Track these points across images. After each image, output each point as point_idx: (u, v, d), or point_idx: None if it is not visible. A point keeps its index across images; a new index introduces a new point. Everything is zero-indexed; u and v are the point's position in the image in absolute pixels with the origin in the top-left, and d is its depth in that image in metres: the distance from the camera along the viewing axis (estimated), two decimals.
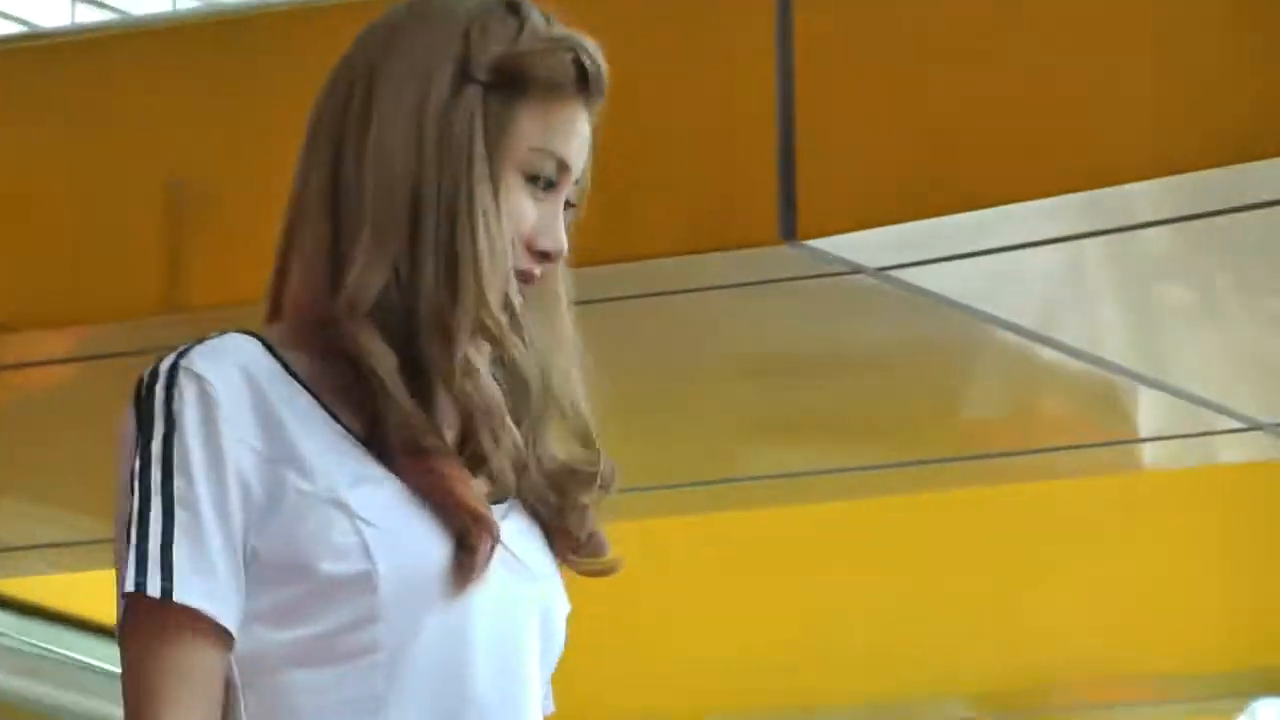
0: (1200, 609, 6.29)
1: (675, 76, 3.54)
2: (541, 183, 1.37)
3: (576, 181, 1.41)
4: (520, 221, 1.37)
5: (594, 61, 1.42)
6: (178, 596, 1.23)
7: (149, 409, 1.31)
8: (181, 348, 1.33)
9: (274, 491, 1.34)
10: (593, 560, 1.45)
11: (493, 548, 1.30)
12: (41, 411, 5.15)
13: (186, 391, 1.32)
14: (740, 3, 3.80)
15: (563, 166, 1.39)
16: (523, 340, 1.34)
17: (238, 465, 1.32)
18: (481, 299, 1.33)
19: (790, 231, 3.54)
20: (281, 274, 1.34)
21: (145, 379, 1.32)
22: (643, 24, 3.62)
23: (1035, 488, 5.14)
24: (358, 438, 1.34)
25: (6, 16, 6.83)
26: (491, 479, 1.31)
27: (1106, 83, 3.41)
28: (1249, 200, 3.40)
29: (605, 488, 1.41)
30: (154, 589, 1.23)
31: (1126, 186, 3.26)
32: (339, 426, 1.34)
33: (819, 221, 3.45)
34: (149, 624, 1.27)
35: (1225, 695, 6.94)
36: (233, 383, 1.36)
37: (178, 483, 1.29)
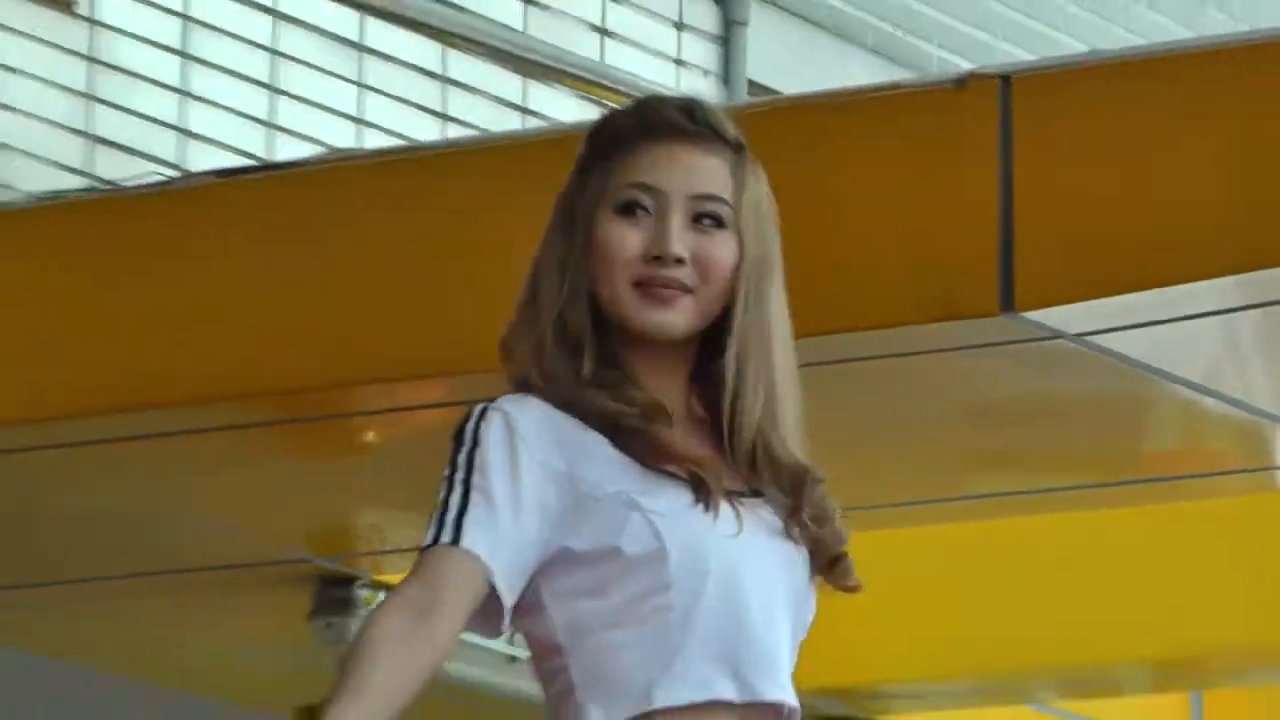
0: None
1: (909, 176, 4.21)
2: (637, 210, 1.76)
3: (702, 198, 1.78)
4: (617, 248, 1.77)
5: (672, 108, 1.85)
6: (464, 543, 1.62)
7: (463, 435, 1.70)
8: (493, 399, 1.77)
9: (579, 499, 1.75)
10: (842, 580, 1.85)
11: (718, 485, 1.72)
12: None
13: (494, 422, 1.71)
14: (966, 102, 4.24)
15: (657, 191, 1.76)
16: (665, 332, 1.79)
17: (534, 478, 1.70)
18: (604, 315, 1.80)
19: (1009, 304, 4.11)
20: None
21: (463, 418, 1.73)
22: (882, 133, 4.31)
23: (1197, 505, 5.75)
24: (631, 458, 1.73)
25: (389, 133, 7.40)
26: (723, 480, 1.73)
27: (1257, 184, 4.12)
28: None
29: (820, 481, 1.83)
30: (446, 539, 1.63)
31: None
32: (615, 451, 1.73)
33: (1031, 297, 4.12)
34: (437, 554, 1.67)
35: None
36: (533, 419, 1.74)
37: (475, 479, 1.66)
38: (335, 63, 7.62)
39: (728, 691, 1.85)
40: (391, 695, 1.71)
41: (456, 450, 1.77)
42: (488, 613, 1.83)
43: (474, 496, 1.75)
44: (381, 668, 1.69)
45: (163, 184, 6.24)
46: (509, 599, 1.79)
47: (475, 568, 1.76)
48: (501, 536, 1.76)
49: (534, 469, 1.77)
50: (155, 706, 7.23)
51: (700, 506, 1.83)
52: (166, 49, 7.44)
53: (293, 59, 7.65)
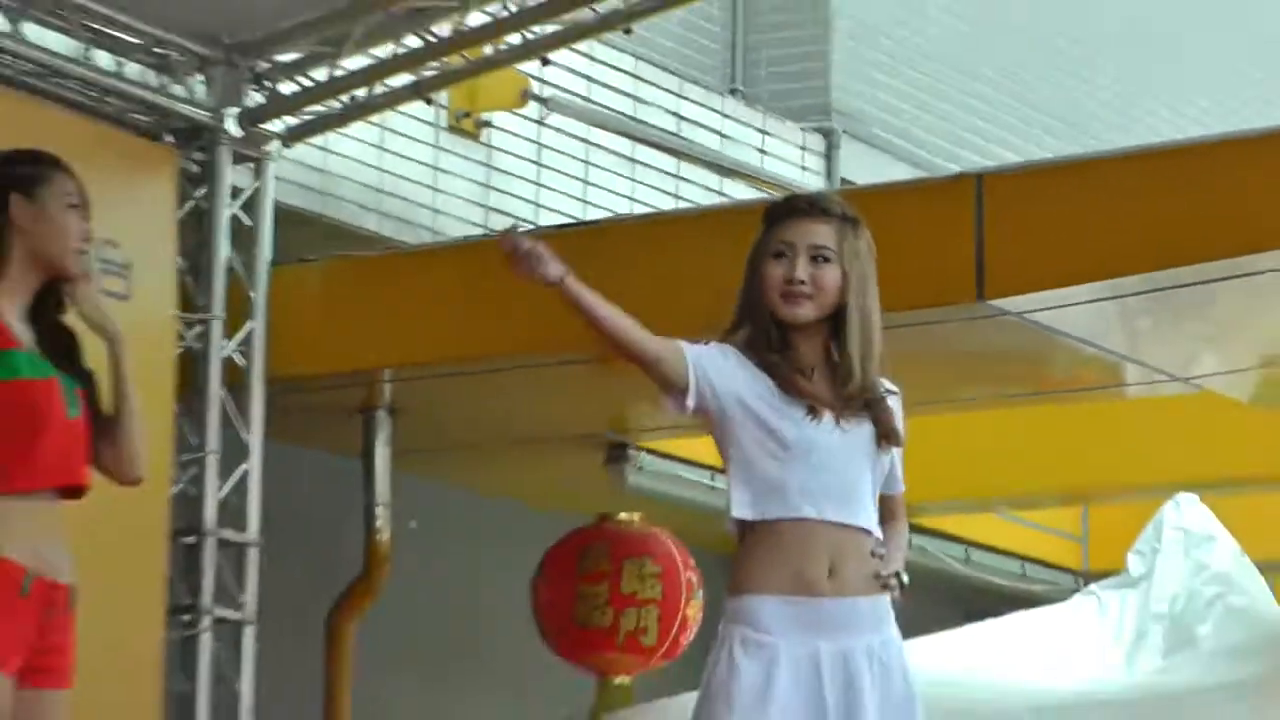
0: None
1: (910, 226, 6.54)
2: (782, 257, 2.99)
3: (816, 247, 3.00)
4: (770, 278, 2.99)
5: (798, 199, 3.25)
6: (684, 345, 2.96)
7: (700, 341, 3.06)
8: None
9: (739, 396, 3.02)
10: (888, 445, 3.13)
11: (821, 405, 2.98)
12: None
13: (713, 341, 3.01)
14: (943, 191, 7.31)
15: (790, 245, 2.99)
16: (788, 324, 3.01)
17: (721, 363, 2.98)
18: (765, 310, 3.00)
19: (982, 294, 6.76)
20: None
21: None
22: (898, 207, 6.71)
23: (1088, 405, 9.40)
24: (779, 390, 2.99)
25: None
26: (831, 405, 2.95)
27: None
28: None
29: (890, 407, 3.12)
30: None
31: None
32: (772, 384, 2.99)
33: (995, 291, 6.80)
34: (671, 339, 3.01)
35: None
36: (722, 349, 3.01)
37: (699, 345, 2.96)
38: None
39: (811, 514, 3.15)
40: (616, 317, 3.02)
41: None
42: (676, 395, 3.12)
43: (698, 345, 3.07)
44: (618, 313, 3.00)
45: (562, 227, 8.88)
46: (692, 387, 3.06)
47: (682, 353, 3.07)
48: (701, 359, 3.04)
49: (721, 360, 3.07)
50: (513, 515, 10.00)
51: (810, 416, 3.13)
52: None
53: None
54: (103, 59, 7.71)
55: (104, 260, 6.80)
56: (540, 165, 10.11)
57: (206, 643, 7.61)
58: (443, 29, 7.84)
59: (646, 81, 11.01)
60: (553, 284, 3.23)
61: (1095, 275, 6.88)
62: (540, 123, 10.04)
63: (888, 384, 3.37)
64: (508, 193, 9.74)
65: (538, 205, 9.91)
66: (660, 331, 3.39)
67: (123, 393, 4.16)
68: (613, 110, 10.63)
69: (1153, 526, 8.49)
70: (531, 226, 8.75)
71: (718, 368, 3.28)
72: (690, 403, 3.28)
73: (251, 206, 8.03)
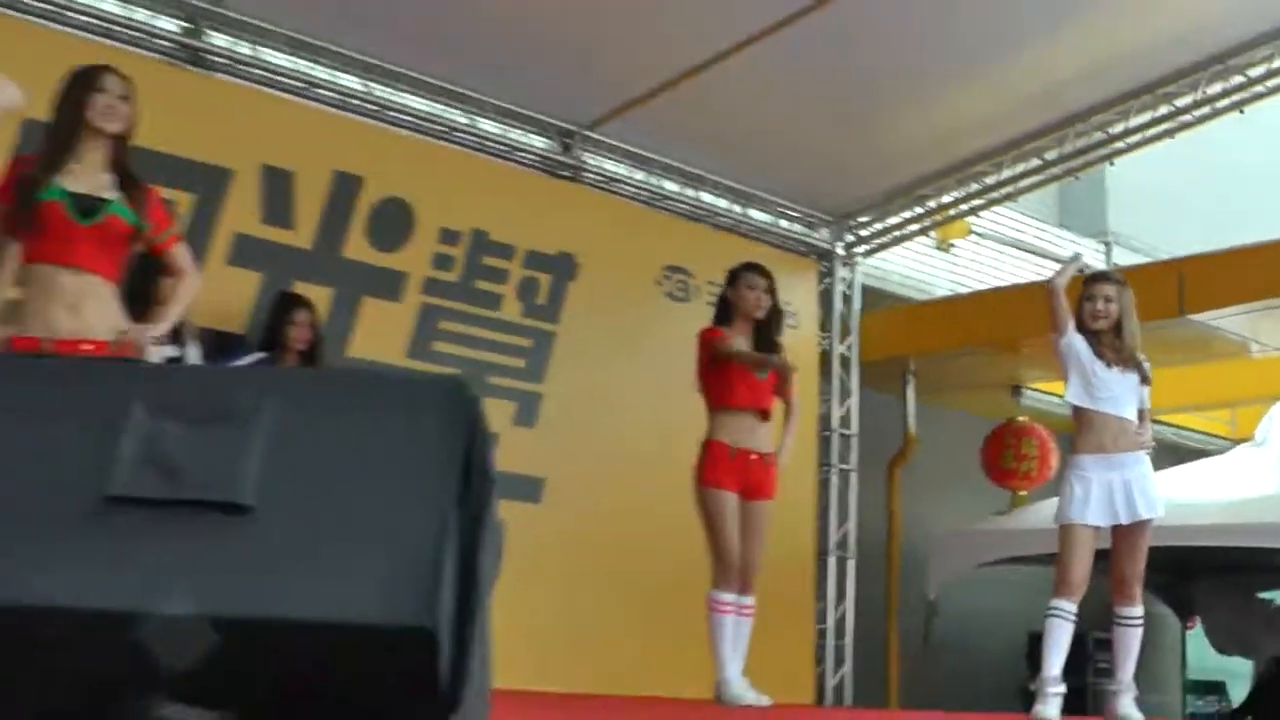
0: None
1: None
2: (1094, 299, 6.90)
3: (1107, 297, 6.83)
4: (1086, 310, 6.85)
5: (1101, 273, 7.57)
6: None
7: None
8: None
9: (1078, 349, 7.00)
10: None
11: (1104, 361, 6.91)
12: None
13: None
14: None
15: (1097, 294, 6.86)
16: None
17: (1073, 332, 6.96)
18: (1085, 323, 6.91)
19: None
20: None
21: None
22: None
23: None
24: (1092, 354, 6.96)
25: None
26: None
27: None
28: None
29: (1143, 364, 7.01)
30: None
31: None
32: (1090, 350, 6.92)
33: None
34: None
35: None
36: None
37: None
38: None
39: (1109, 410, 6.92)
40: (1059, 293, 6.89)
41: None
42: (1058, 336, 6.99)
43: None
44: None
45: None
46: (1068, 334, 6.84)
47: (1069, 317, 6.93)
48: (1071, 324, 6.90)
49: (1074, 332, 6.84)
50: (966, 420, 12.90)
51: (1107, 365, 6.89)
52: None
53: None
54: (761, 217, 11.29)
55: (791, 313, 9.63)
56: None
57: None
58: (970, 186, 11.00)
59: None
60: (1053, 285, 6.88)
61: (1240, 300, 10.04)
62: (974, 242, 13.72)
63: (1141, 356, 6.89)
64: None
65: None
66: None
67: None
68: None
69: (1267, 416, 12.14)
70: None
71: (1073, 332, 6.79)
72: (1063, 340, 6.87)
73: (850, 285, 11.64)
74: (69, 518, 2.07)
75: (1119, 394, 6.91)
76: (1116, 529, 6.88)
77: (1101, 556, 7.00)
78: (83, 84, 5.46)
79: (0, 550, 2.01)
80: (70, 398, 2.25)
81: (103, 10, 8.46)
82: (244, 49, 8.98)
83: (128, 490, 2.14)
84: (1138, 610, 7.11)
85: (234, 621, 2.01)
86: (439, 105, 9.61)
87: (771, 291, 7.71)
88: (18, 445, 2.15)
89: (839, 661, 10.94)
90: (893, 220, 11.35)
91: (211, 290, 7.98)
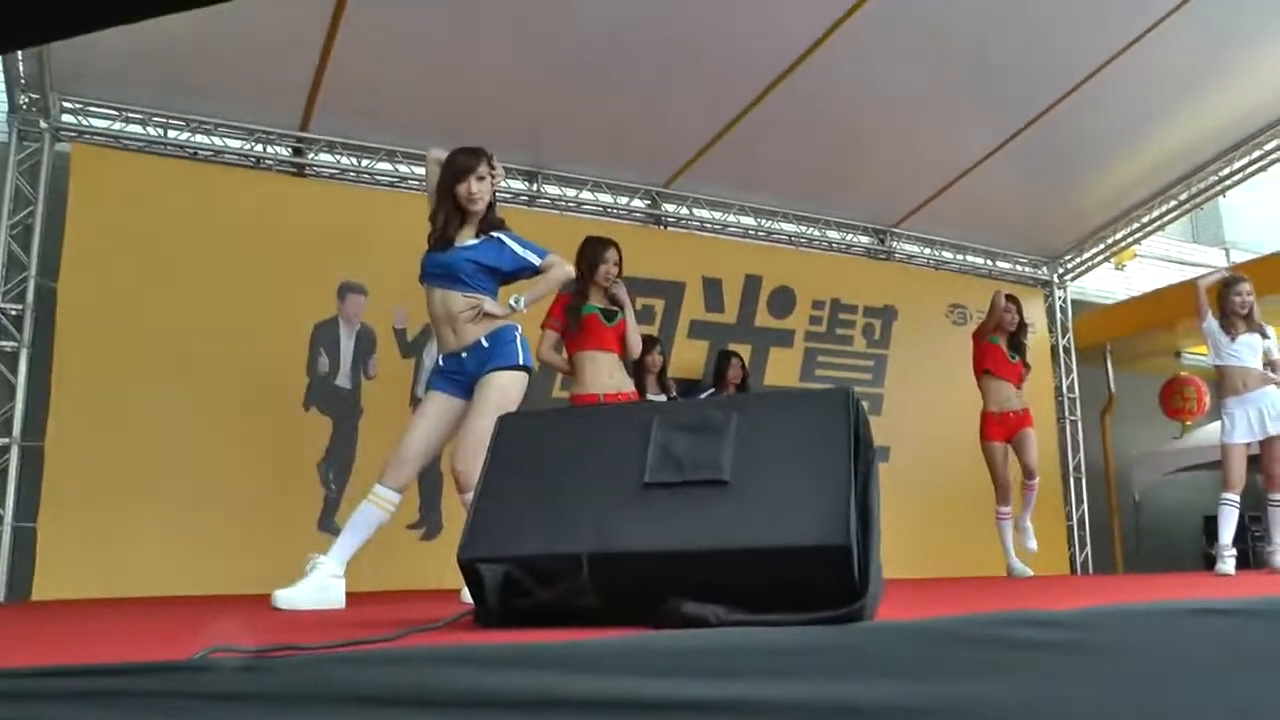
0: None
1: None
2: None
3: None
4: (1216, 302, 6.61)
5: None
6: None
7: None
8: None
9: (1213, 327, 6.47)
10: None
11: (1238, 333, 6.38)
12: None
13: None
14: None
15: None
16: None
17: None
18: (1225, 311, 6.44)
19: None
20: None
21: None
22: None
23: None
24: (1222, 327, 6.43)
25: None
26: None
27: None
28: None
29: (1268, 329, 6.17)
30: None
31: None
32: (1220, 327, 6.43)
33: None
34: None
35: None
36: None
37: None
38: None
39: (1242, 363, 6.33)
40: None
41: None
42: (1201, 320, 6.40)
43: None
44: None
45: None
46: (1208, 316, 6.26)
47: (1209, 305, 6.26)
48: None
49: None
50: (1145, 381, 11.75)
51: (1228, 337, 6.38)
52: None
53: None
54: (1004, 265, 10.32)
55: (1031, 323, 8.58)
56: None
57: None
58: (1133, 224, 9.98)
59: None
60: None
61: None
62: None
63: (1263, 322, 6.41)
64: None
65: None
66: None
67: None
68: None
69: None
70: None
71: (1209, 318, 6.32)
72: (1203, 324, 6.44)
73: (1065, 300, 10.75)
74: (629, 495, 2.18)
75: (1243, 352, 6.52)
76: (1262, 442, 6.53)
77: (1254, 461, 6.70)
78: (597, 251, 5.56)
79: (604, 515, 2.15)
80: (621, 424, 2.35)
81: (598, 200, 8.68)
82: (684, 210, 9.12)
83: (655, 478, 2.20)
84: None
85: (722, 551, 2.05)
86: (801, 226, 9.60)
87: (1019, 310, 7.45)
88: (601, 452, 2.29)
89: (1082, 546, 10.26)
90: (1086, 254, 10.58)
91: (679, 355, 8.27)
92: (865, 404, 9.21)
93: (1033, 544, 7.24)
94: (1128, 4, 7.06)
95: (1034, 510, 7.41)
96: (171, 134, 7.05)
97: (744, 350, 8.46)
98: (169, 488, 6.36)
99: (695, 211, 8.91)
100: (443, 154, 4.26)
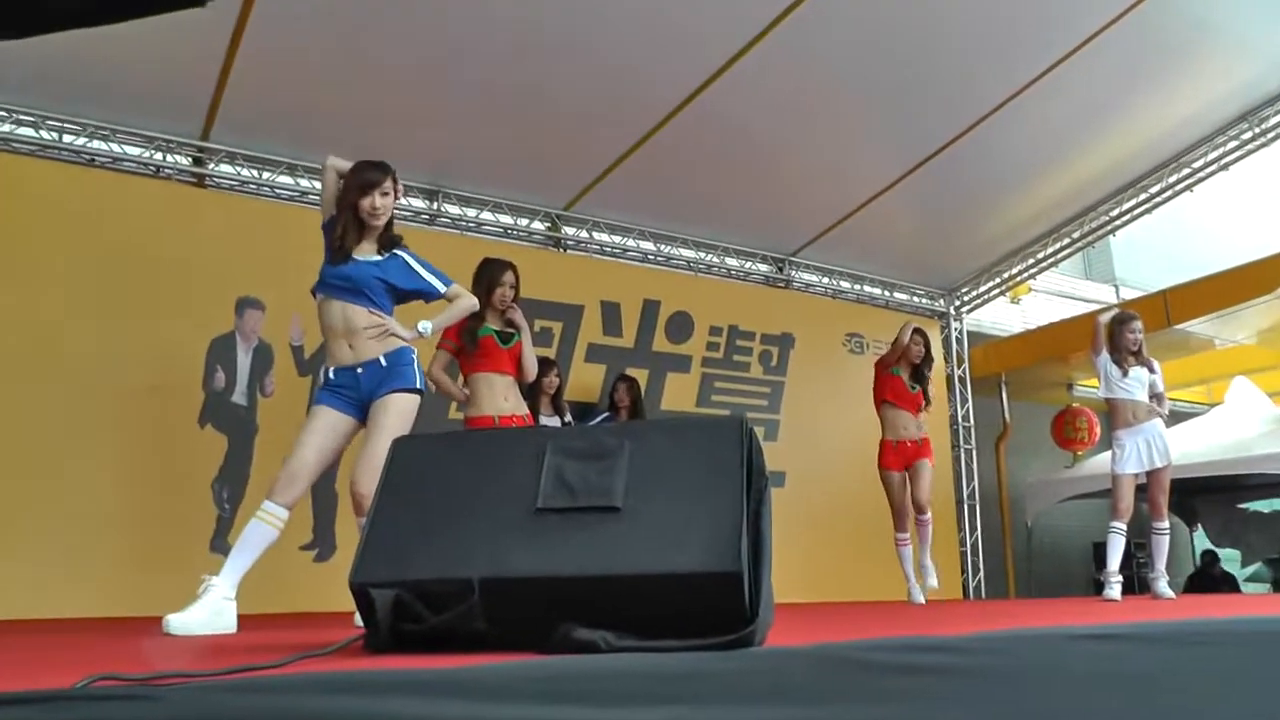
0: None
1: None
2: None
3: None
4: (1111, 337, 7.74)
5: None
6: None
7: None
8: None
9: (1106, 363, 6.53)
10: None
11: (1127, 367, 6.56)
12: None
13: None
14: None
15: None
16: None
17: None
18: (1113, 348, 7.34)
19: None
20: None
21: None
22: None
23: None
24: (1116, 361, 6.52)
25: None
26: None
27: None
28: None
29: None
30: None
31: None
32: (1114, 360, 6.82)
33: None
34: None
35: None
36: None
37: None
38: None
39: (1129, 398, 6.52)
40: None
41: None
42: (1093, 355, 6.49)
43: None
44: None
45: None
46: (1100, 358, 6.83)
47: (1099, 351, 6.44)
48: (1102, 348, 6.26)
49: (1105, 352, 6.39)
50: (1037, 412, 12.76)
51: (1120, 370, 6.44)
52: None
53: None
54: (902, 296, 10.46)
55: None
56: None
57: None
58: (1028, 260, 10.10)
59: None
60: None
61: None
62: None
63: (1149, 357, 6.49)
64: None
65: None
66: None
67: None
68: None
69: (1229, 388, 11.32)
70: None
71: (1103, 352, 6.38)
72: (1097, 358, 6.40)
73: (960, 332, 10.95)
74: (521, 520, 2.19)
75: (1133, 386, 6.65)
76: (1149, 472, 6.68)
77: (1140, 490, 6.84)
78: (495, 273, 5.52)
79: (496, 540, 2.15)
80: (516, 449, 2.35)
81: (499, 221, 8.66)
82: (584, 234, 9.14)
83: (548, 504, 2.20)
84: (1166, 524, 6.84)
85: (614, 577, 2.07)
86: (701, 252, 9.68)
87: (927, 343, 7.51)
88: (495, 477, 2.28)
89: (975, 571, 10.42)
90: (982, 288, 10.76)
91: (575, 378, 8.24)
92: (761, 430, 9.54)
93: (934, 580, 7.35)
94: (1027, 46, 7.18)
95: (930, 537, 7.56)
96: (67, 139, 6.89)
97: (641, 375, 8.47)
98: (51, 501, 6.18)
99: (595, 235, 8.91)
100: (343, 164, 4.23)
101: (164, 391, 6.58)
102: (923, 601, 7.40)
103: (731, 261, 9.63)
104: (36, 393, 6.26)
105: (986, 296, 10.82)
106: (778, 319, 9.45)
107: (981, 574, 10.37)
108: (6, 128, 6.76)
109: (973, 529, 10.46)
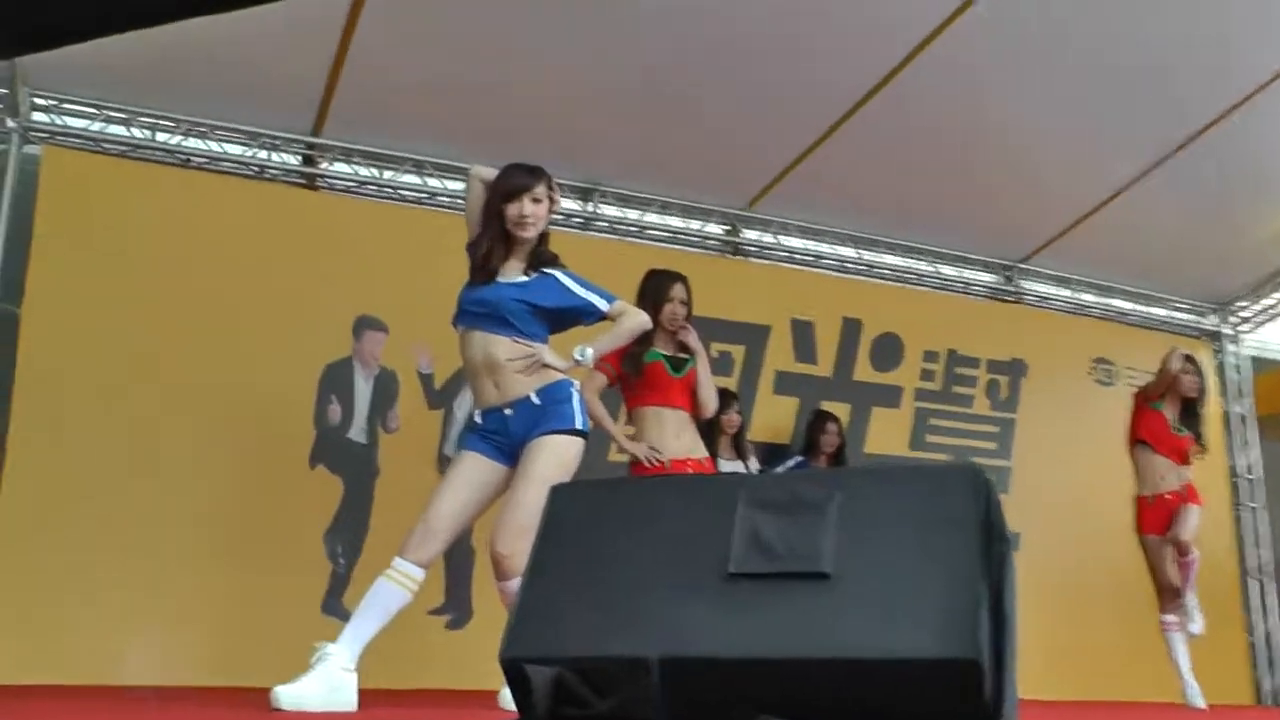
0: None
1: None
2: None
3: None
4: None
5: None
6: None
7: None
8: None
9: None
10: None
11: None
12: None
13: None
14: None
15: None
16: None
17: None
18: None
19: None
20: None
21: None
22: None
23: None
24: None
25: None
26: None
27: None
28: None
29: None
30: None
31: None
32: None
33: None
34: None
35: None
36: None
37: None
38: None
39: None
40: None
41: None
42: None
43: None
44: None
45: None
46: None
47: None
48: None
49: None
50: None
51: None
52: None
53: None
54: (1160, 312, 10.39)
55: None
56: None
57: None
58: None
59: None
60: None
61: None
62: None
63: None
64: None
65: None
66: None
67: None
68: None
69: None
70: None
71: None
72: None
73: (1238, 357, 10.69)
74: (708, 588, 2.17)
75: None
76: None
77: None
78: (663, 286, 5.66)
79: (678, 610, 2.13)
80: (698, 500, 2.35)
81: (667, 224, 8.83)
82: (769, 238, 9.23)
83: (741, 568, 2.21)
84: None
85: (822, 661, 2.04)
86: (911, 259, 9.68)
87: (1199, 373, 7.52)
88: (674, 534, 2.27)
89: (1271, 668, 10.00)
90: (1265, 301, 10.50)
91: (762, 413, 8.24)
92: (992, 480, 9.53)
93: (1196, 626, 7.12)
94: None
95: (1205, 618, 7.36)
96: (160, 137, 7.21)
97: (841, 410, 8.54)
98: (140, 555, 6.40)
99: (783, 239, 9.02)
100: (489, 172, 4.34)
101: (268, 425, 6.77)
102: (1203, 706, 7.18)
103: (948, 270, 9.66)
104: (134, 434, 6.51)
105: (1272, 312, 10.66)
106: (1006, 341, 9.45)
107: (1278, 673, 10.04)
108: (96, 126, 7.09)
109: (1264, 612, 10.17)
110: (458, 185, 7.41)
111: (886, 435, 8.94)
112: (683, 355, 5.55)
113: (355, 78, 6.78)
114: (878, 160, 7.95)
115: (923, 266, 9.53)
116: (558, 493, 2.56)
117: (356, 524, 6.94)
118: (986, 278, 9.77)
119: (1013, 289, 9.80)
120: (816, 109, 7.49)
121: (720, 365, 8.04)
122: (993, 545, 2.14)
